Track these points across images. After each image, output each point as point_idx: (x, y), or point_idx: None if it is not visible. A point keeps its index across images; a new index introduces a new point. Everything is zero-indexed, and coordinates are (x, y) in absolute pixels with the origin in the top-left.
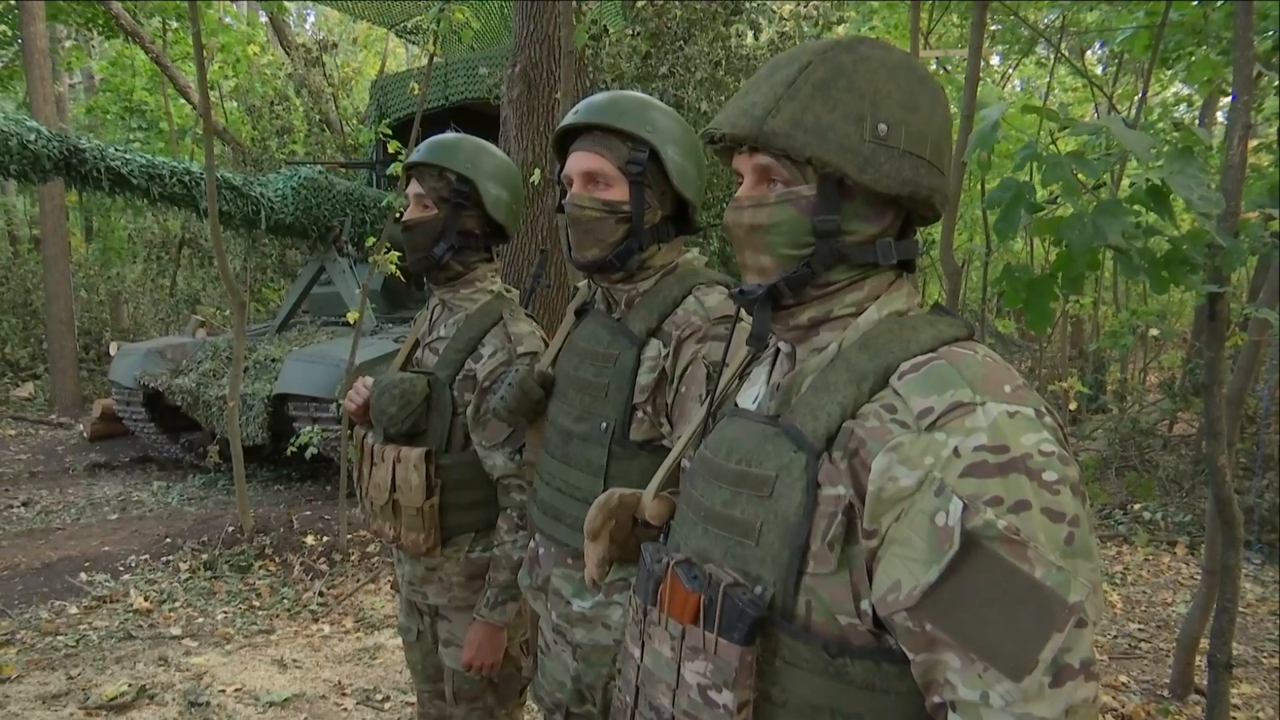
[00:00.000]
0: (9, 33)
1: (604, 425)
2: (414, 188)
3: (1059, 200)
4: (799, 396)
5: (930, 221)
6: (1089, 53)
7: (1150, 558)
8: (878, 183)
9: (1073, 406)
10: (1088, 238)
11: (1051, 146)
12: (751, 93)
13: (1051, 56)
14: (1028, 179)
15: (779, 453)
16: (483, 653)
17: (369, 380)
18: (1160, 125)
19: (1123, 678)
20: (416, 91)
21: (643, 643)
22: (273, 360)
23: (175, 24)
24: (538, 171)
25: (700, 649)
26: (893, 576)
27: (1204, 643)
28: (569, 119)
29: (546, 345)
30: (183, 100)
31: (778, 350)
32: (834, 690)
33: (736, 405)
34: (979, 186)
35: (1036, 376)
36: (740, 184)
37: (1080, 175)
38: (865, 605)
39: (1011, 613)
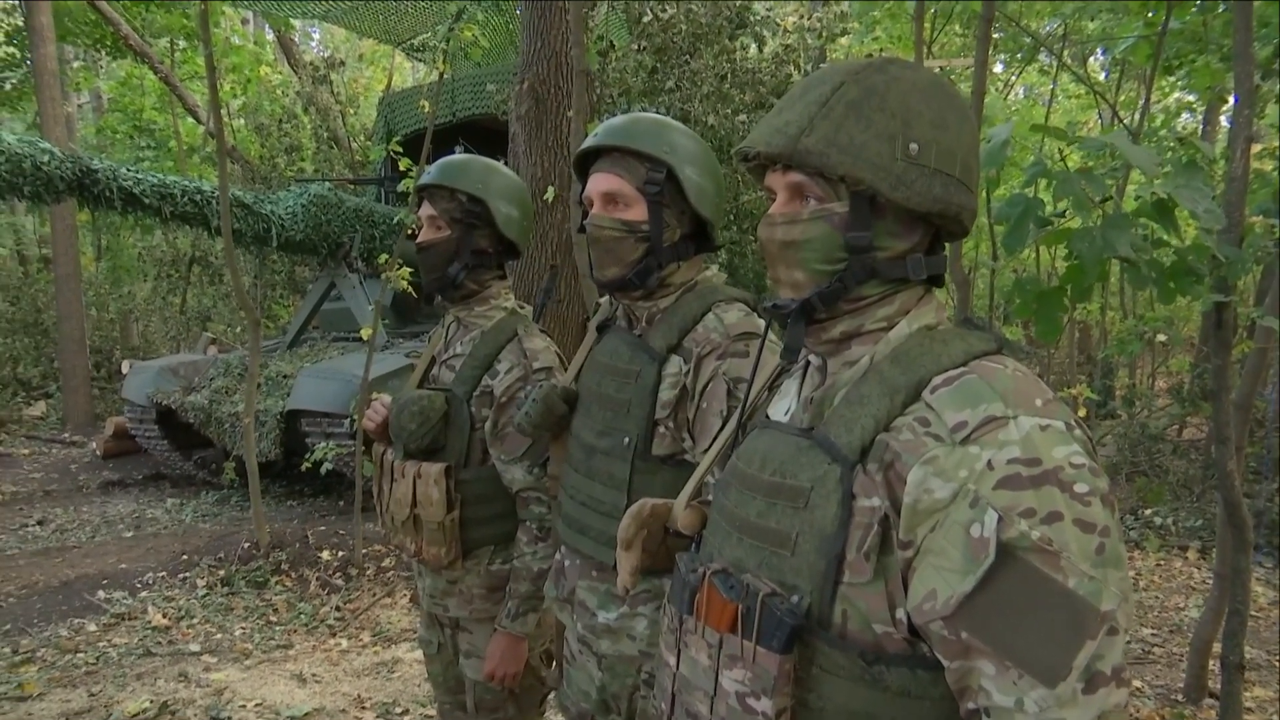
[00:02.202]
0: (19, 54)
1: (626, 440)
2: (426, 209)
3: (1067, 213)
4: (832, 409)
5: (958, 238)
6: (1091, 60)
7: (1162, 563)
8: (910, 200)
9: (1082, 412)
10: (1098, 250)
11: (1060, 162)
12: (785, 112)
13: (1054, 64)
14: (1034, 194)
15: (813, 464)
16: (504, 663)
17: (387, 399)
18: (1163, 133)
19: (1137, 683)
20: (426, 109)
21: (679, 651)
22: (284, 377)
23: (183, 44)
24: (551, 188)
25: (738, 657)
26: (929, 586)
27: (1217, 646)
28: (589, 141)
29: (561, 360)
30: (191, 119)
31: (807, 363)
32: (870, 697)
33: (767, 417)
34: (984, 196)
35: (1045, 383)
36: (772, 201)
37: (1088, 190)
38: (900, 614)
39: (1046, 621)
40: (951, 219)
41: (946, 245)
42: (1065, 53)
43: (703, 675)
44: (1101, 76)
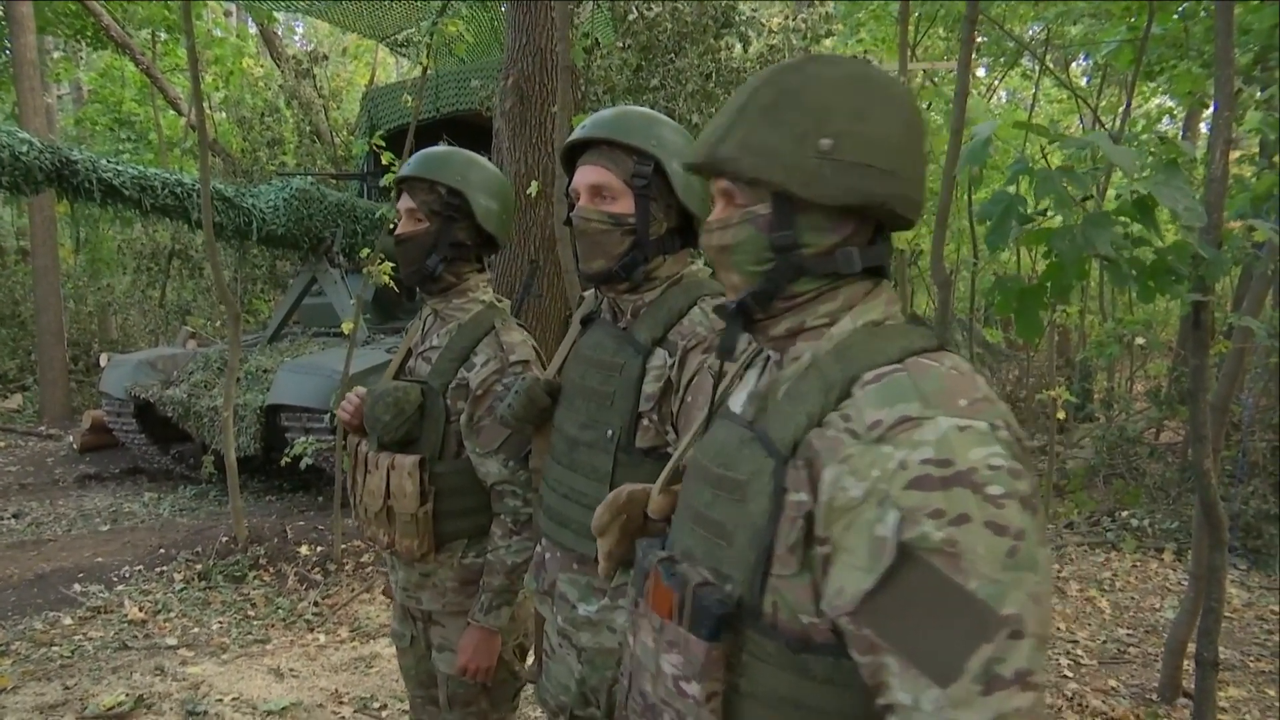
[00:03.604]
0: None
1: (610, 433)
2: (405, 201)
3: (1048, 212)
4: (774, 404)
5: (903, 227)
6: (1074, 64)
7: (1138, 564)
8: (823, 197)
9: (1061, 415)
10: (1078, 248)
11: (1042, 161)
12: (714, 120)
13: (1037, 69)
14: (1016, 192)
15: (752, 458)
16: (477, 657)
17: (362, 390)
18: (1144, 137)
19: (1111, 682)
20: (409, 104)
21: (635, 632)
22: (265, 371)
23: (165, 36)
24: (535, 183)
25: (675, 643)
26: (838, 582)
27: (1192, 647)
28: (577, 133)
29: (538, 354)
30: (172, 111)
31: (769, 356)
32: (797, 684)
33: (727, 408)
34: (966, 198)
35: (1024, 385)
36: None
37: (1070, 188)
38: (825, 606)
39: (942, 622)
40: (878, 209)
41: (912, 240)
42: (1048, 57)
43: (649, 657)
44: (1083, 81)
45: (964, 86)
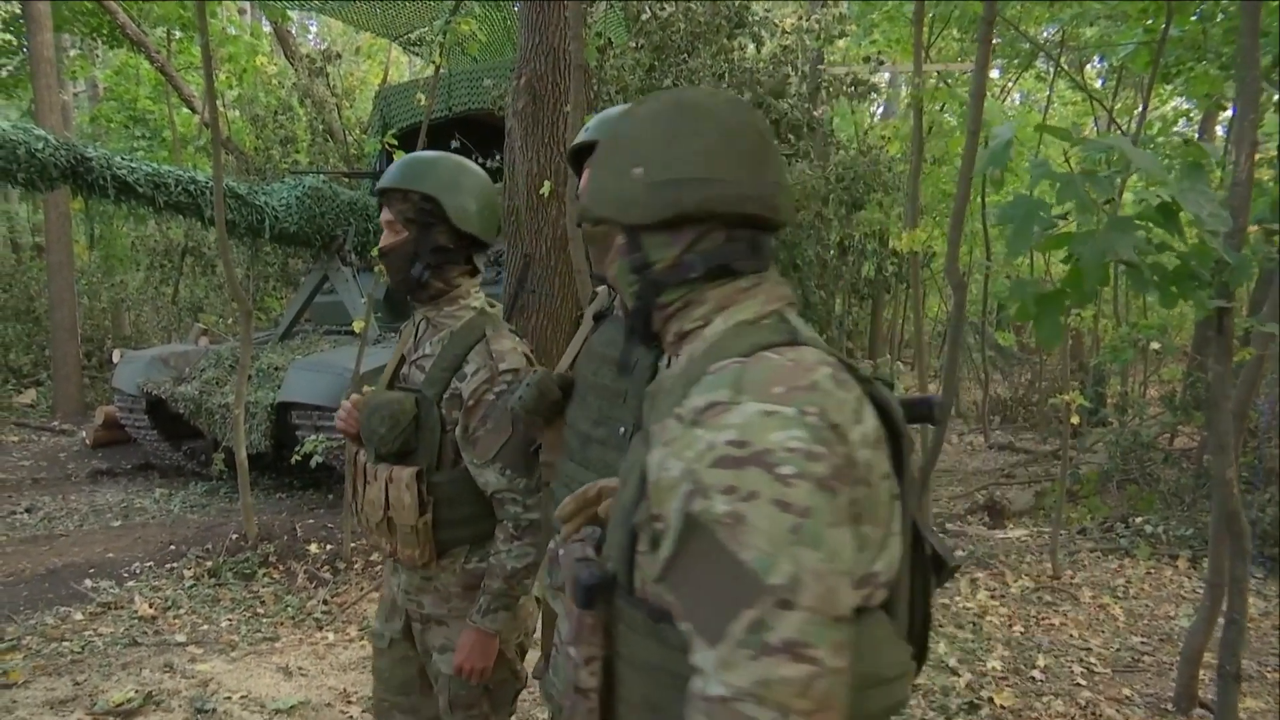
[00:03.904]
0: (15, 41)
1: (622, 430)
2: (384, 214)
3: (1069, 216)
4: (657, 400)
5: (767, 226)
6: (1089, 66)
7: (1152, 571)
8: (645, 217)
9: (1074, 420)
10: (1099, 253)
11: (1064, 164)
12: None
13: (1051, 70)
14: (1032, 195)
15: (636, 450)
16: (474, 657)
17: (357, 396)
18: (1160, 140)
19: (1125, 690)
20: (421, 103)
21: None
22: (276, 369)
23: (180, 34)
24: (547, 183)
25: (568, 612)
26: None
27: (1208, 656)
28: (582, 135)
29: (530, 361)
30: (186, 109)
31: None
32: (660, 651)
33: None
34: (979, 200)
35: (1037, 389)
36: None
37: (1091, 193)
38: None
39: (716, 587)
40: (703, 214)
41: (925, 244)
42: (1063, 59)
43: (561, 628)
44: (1098, 84)
45: (980, 88)
